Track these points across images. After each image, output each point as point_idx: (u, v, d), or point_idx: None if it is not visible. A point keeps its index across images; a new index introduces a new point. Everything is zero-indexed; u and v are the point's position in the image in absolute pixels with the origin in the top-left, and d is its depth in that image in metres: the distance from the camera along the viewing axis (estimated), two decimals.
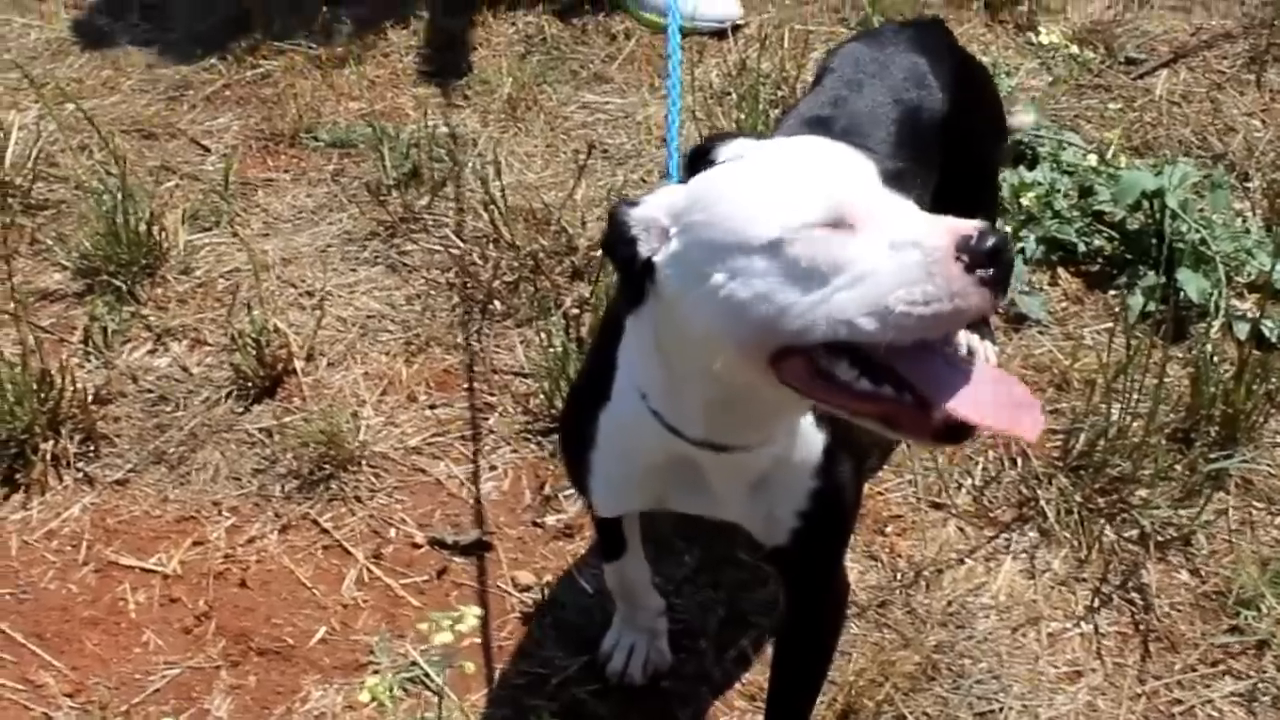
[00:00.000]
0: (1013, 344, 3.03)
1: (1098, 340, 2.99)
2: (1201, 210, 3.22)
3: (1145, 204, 3.18)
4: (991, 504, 2.70)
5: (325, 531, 2.67)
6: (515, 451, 2.81)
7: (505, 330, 3.06)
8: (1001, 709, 2.37)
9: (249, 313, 2.96)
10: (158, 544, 2.66)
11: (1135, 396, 2.66)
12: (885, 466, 2.76)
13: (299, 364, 2.96)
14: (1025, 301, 3.08)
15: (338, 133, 3.62)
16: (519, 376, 2.95)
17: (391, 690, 2.16)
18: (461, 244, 3.25)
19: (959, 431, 1.41)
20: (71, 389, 2.78)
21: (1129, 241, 3.21)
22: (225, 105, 3.78)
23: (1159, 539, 2.62)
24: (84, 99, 3.70)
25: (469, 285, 3.15)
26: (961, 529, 2.66)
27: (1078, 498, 2.66)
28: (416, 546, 2.64)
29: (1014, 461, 2.76)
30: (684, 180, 1.63)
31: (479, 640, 2.41)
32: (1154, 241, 3.13)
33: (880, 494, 2.71)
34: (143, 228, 3.17)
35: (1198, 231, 3.11)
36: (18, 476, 2.75)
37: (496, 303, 3.11)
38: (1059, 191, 3.31)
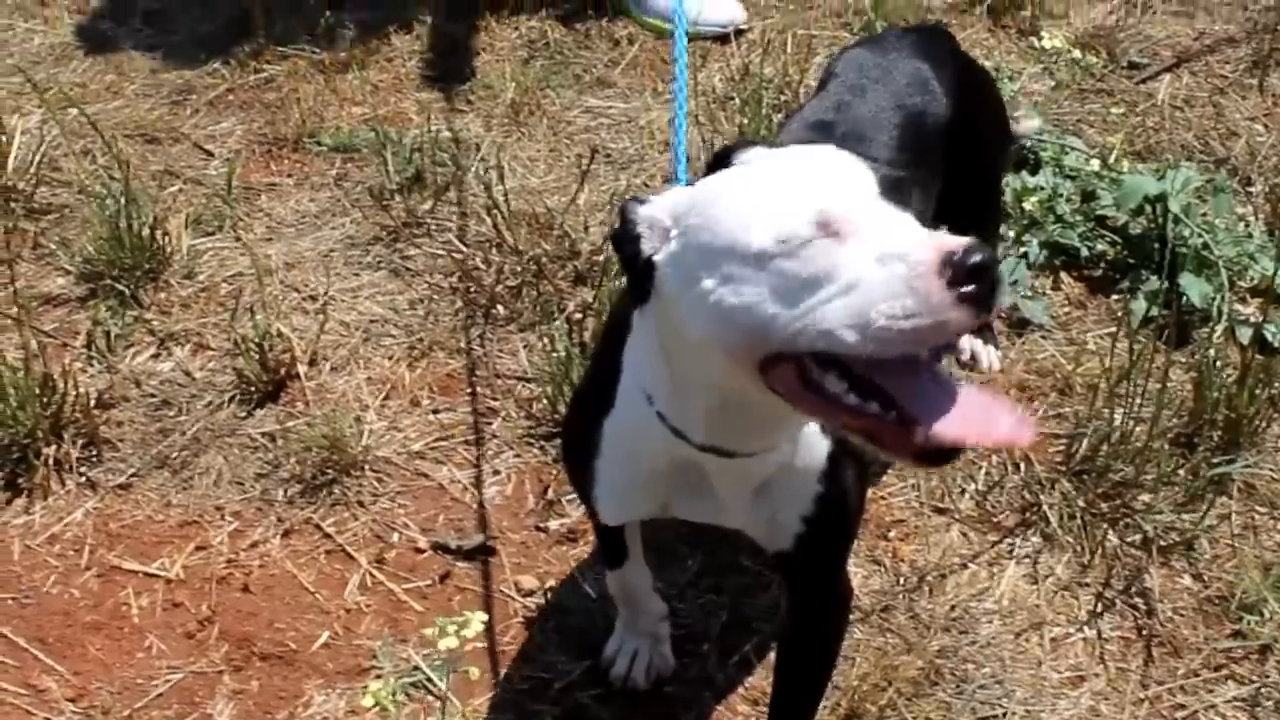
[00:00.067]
0: (1015, 349, 3.03)
1: (1100, 345, 2.99)
2: (1204, 215, 3.22)
3: (1148, 209, 3.18)
4: (994, 509, 2.70)
5: (328, 536, 2.67)
6: (518, 456, 2.81)
7: (508, 335, 3.06)
8: (1004, 714, 2.37)
9: (252, 317, 2.96)
10: (160, 549, 2.66)
11: (1138, 401, 2.66)
12: (889, 471, 2.76)
13: (302, 368, 2.96)
14: (1028, 306, 3.08)
15: (341, 137, 3.63)
16: (522, 381, 2.95)
17: (394, 695, 2.16)
18: (464, 249, 3.25)
19: (941, 454, 1.41)
20: (74, 393, 2.79)
21: (1131, 246, 3.21)
22: (228, 110, 3.79)
23: (1162, 544, 2.61)
24: (87, 103, 3.70)
25: (472, 290, 3.15)
26: (964, 534, 2.66)
27: (1080, 503, 2.66)
28: (419, 551, 2.64)
29: (1017, 467, 2.76)
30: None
31: (482, 645, 2.41)
32: (1156, 246, 3.14)
33: (883, 498, 2.71)
34: (146, 232, 3.17)
35: (1200, 236, 3.11)
36: (20, 481, 2.75)
37: (499, 307, 3.11)
38: (1061, 196, 3.31)
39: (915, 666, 2.41)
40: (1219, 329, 2.99)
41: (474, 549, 2.63)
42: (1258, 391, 2.73)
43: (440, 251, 3.27)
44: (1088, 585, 2.57)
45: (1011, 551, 2.63)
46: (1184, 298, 3.03)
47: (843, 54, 2.47)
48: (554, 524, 2.68)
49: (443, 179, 3.43)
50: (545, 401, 2.84)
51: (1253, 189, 3.47)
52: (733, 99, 3.68)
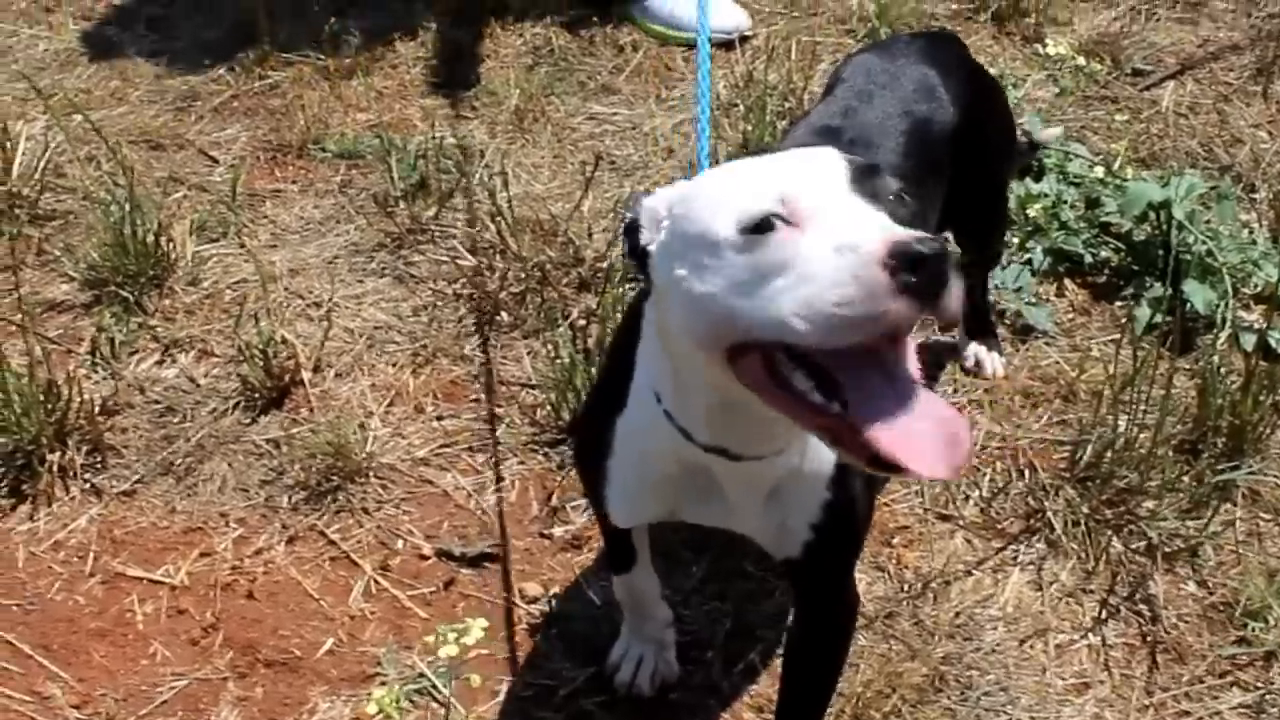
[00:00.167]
0: (1020, 355, 3.03)
1: (1104, 351, 3.00)
2: (1208, 222, 3.22)
3: (1152, 215, 3.18)
4: (999, 515, 2.70)
5: (332, 543, 2.67)
6: (523, 463, 2.80)
7: (512, 341, 3.06)
8: None
9: (256, 324, 2.96)
10: (165, 555, 2.66)
11: (1142, 408, 2.66)
12: (893, 478, 2.76)
13: (306, 375, 2.96)
14: (1032, 313, 3.08)
15: (345, 144, 3.63)
16: (526, 388, 2.95)
17: (399, 702, 2.16)
18: (469, 255, 3.25)
19: (890, 463, 1.37)
20: (79, 400, 2.79)
21: (1136, 253, 3.21)
22: (233, 116, 3.79)
23: (1166, 550, 2.61)
24: (92, 110, 3.70)
25: (476, 296, 3.15)
26: (969, 540, 2.66)
27: (1085, 509, 2.66)
28: (424, 558, 2.64)
29: (1021, 473, 2.76)
30: None
31: (486, 652, 2.41)
32: (1160, 253, 3.14)
33: (887, 505, 2.71)
34: (150, 238, 3.18)
35: (1204, 243, 3.11)
36: (25, 487, 2.75)
37: (504, 314, 3.11)
38: (1066, 203, 3.31)
39: (920, 673, 2.41)
40: (1223, 335, 2.99)
41: (478, 556, 2.63)
42: (1262, 398, 2.73)
43: (444, 258, 3.27)
44: (1092, 592, 2.57)
45: (1016, 558, 2.63)
46: (1188, 304, 3.03)
47: (850, 59, 2.47)
48: (558, 530, 2.68)
49: (447, 186, 3.43)
50: (549, 408, 2.84)
51: (1257, 196, 3.47)
52: (737, 105, 3.68)
